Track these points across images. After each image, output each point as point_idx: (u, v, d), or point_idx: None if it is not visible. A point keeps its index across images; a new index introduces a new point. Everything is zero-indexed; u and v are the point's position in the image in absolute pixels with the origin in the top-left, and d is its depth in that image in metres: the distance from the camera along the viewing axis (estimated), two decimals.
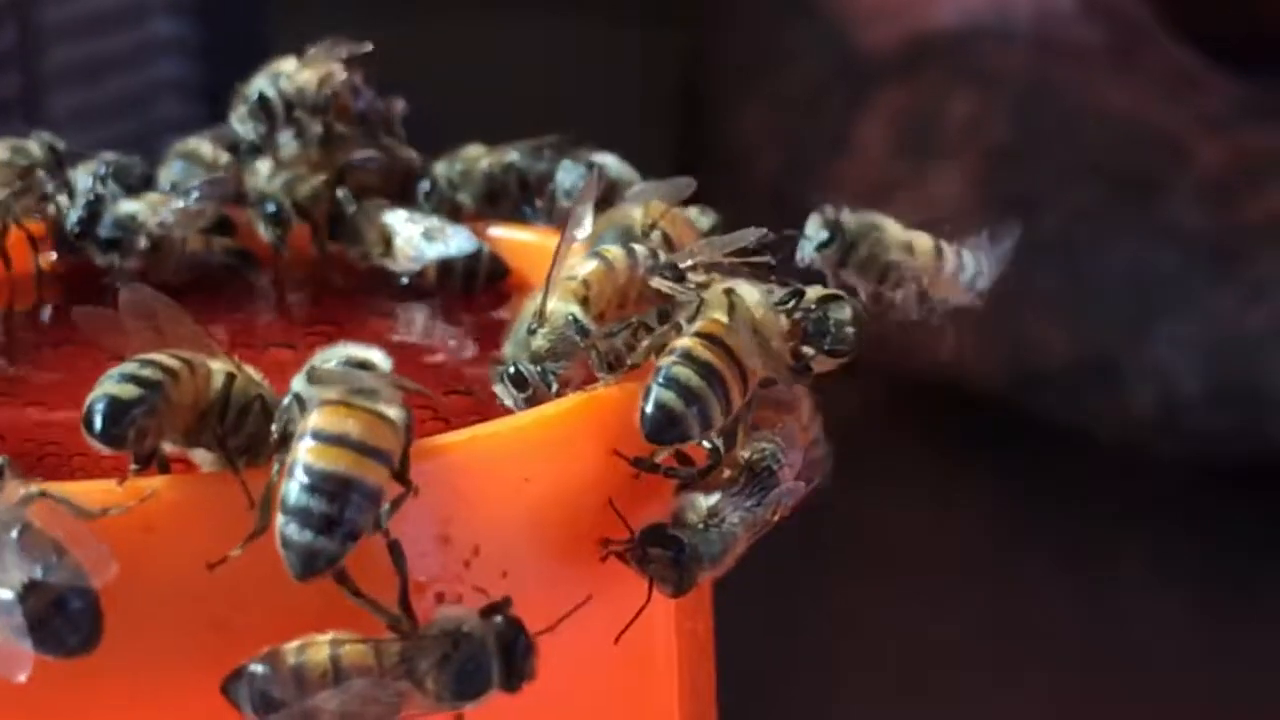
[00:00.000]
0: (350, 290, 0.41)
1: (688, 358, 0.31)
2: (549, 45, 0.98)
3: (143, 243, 0.39)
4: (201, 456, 0.30)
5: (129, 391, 0.28)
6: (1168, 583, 0.75)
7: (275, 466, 0.28)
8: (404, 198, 0.42)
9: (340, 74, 0.41)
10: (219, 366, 0.30)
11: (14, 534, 0.27)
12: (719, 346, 0.31)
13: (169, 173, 0.41)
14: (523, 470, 0.31)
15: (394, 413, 0.28)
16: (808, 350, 0.33)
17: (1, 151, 0.40)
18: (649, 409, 0.31)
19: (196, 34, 0.81)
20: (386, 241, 0.40)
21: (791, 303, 0.33)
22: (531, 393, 0.33)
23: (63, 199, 0.40)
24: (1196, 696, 0.68)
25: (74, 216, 0.40)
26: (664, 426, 0.31)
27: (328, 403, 0.28)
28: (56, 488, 0.28)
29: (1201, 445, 0.80)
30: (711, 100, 0.98)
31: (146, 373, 0.29)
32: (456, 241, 0.40)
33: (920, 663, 0.69)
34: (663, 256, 0.34)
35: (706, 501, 0.32)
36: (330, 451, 0.28)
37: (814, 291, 0.34)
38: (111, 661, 0.28)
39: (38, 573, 0.27)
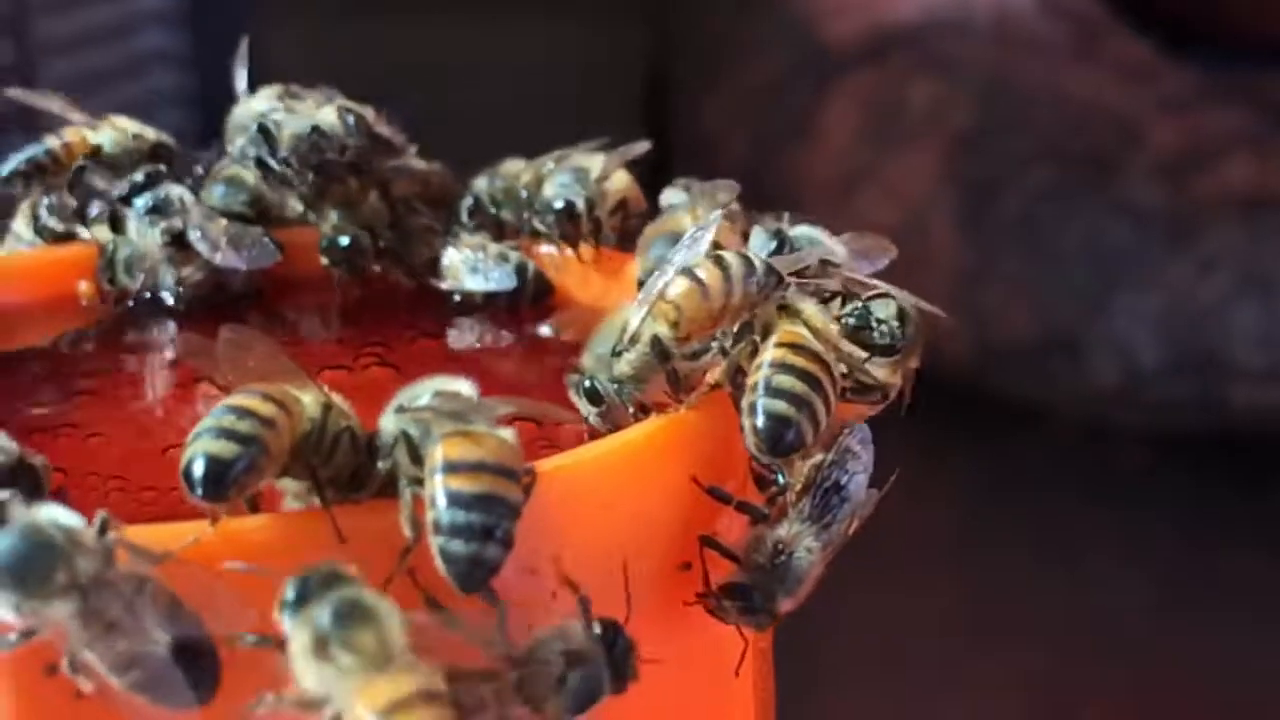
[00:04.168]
0: (396, 309, 0.39)
1: (783, 366, 0.29)
2: (519, 42, 0.97)
3: (178, 224, 0.38)
4: (287, 485, 0.29)
5: (229, 450, 0.27)
6: (1133, 551, 0.75)
7: (408, 495, 0.27)
8: (444, 208, 0.40)
9: (333, 110, 0.40)
10: (312, 399, 0.28)
11: (146, 591, 0.26)
12: (806, 352, 0.30)
13: (210, 196, 0.39)
14: (605, 498, 0.30)
15: (509, 434, 0.27)
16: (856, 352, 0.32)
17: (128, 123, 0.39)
18: (761, 422, 0.29)
19: (187, 46, 0.80)
20: (433, 263, 0.39)
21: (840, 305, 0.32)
22: (605, 408, 0.31)
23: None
24: (1164, 663, 0.67)
25: (131, 180, 0.39)
26: (780, 436, 0.29)
27: (453, 435, 0.27)
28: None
29: (1162, 415, 0.80)
30: (679, 90, 0.97)
31: (244, 427, 0.27)
32: (496, 276, 0.38)
33: (894, 640, 0.68)
34: (757, 263, 0.31)
35: (773, 534, 0.30)
36: (472, 477, 0.27)
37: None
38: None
39: (174, 629, 0.26)
